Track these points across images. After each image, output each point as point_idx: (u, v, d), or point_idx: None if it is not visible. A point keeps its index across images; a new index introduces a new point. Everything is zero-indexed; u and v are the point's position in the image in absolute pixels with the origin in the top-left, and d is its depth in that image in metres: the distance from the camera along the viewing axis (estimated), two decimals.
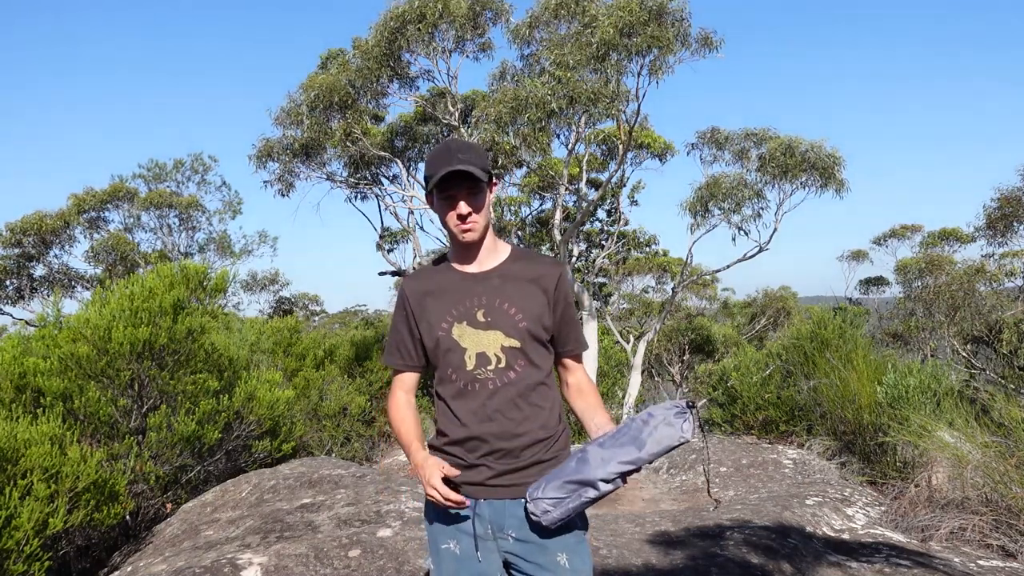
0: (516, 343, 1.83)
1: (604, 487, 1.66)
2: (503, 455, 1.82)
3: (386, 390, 10.47)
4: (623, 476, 1.66)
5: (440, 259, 1.99)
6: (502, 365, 1.83)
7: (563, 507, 1.70)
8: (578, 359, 1.99)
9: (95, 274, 17.00)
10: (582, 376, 1.99)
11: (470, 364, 1.83)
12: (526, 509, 1.77)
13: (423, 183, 1.97)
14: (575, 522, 1.83)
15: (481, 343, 1.83)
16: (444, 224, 1.88)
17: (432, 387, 1.98)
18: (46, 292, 16.72)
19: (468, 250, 1.90)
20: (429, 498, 1.79)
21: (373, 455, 8.99)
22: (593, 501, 1.70)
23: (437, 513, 1.87)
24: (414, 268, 15.05)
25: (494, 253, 1.93)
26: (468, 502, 1.79)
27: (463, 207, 1.81)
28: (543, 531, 1.79)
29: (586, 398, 1.96)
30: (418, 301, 1.90)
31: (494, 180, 1.91)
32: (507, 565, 1.86)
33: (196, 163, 18.32)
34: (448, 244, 2.11)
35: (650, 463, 1.64)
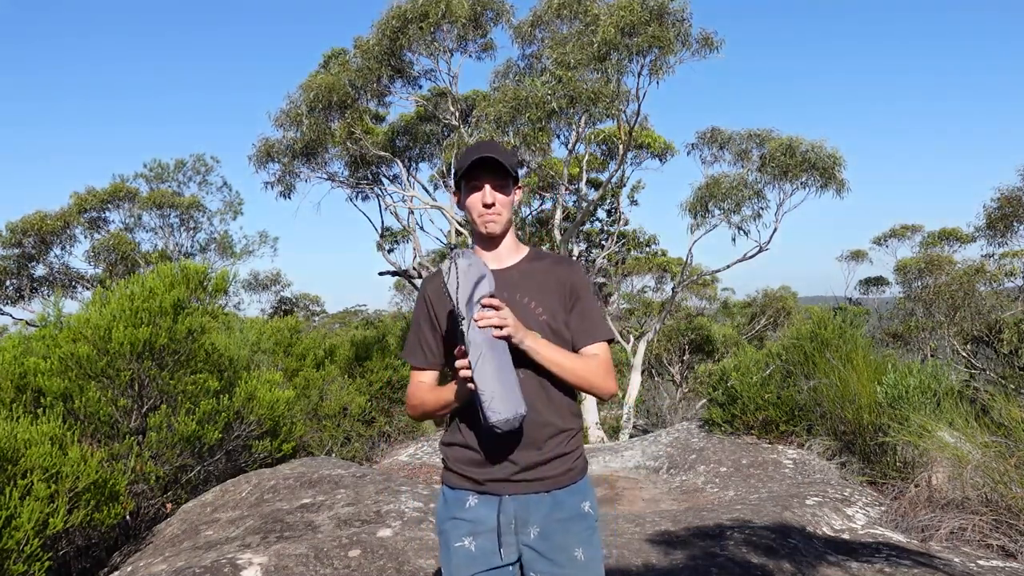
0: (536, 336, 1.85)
1: (476, 336, 1.72)
2: (526, 445, 1.82)
3: (386, 390, 10.47)
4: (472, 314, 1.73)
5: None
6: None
7: (492, 388, 1.69)
8: (598, 346, 1.93)
9: (95, 274, 17.01)
10: (597, 352, 1.92)
11: None
12: (496, 425, 1.70)
13: (453, 179, 2.06)
14: (589, 514, 1.87)
15: None
16: (469, 215, 1.93)
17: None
18: (46, 292, 16.73)
19: (490, 244, 1.96)
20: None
21: (373, 455, 8.99)
22: (496, 363, 1.70)
23: (454, 510, 1.86)
24: (414, 268, 15.04)
25: (514, 252, 1.99)
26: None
27: (488, 195, 1.88)
28: (563, 524, 1.82)
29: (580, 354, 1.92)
30: (439, 298, 1.92)
31: (520, 184, 2.00)
32: (520, 561, 1.85)
33: (198, 163, 18.38)
34: (471, 242, 2.15)
35: (465, 295, 1.74)
